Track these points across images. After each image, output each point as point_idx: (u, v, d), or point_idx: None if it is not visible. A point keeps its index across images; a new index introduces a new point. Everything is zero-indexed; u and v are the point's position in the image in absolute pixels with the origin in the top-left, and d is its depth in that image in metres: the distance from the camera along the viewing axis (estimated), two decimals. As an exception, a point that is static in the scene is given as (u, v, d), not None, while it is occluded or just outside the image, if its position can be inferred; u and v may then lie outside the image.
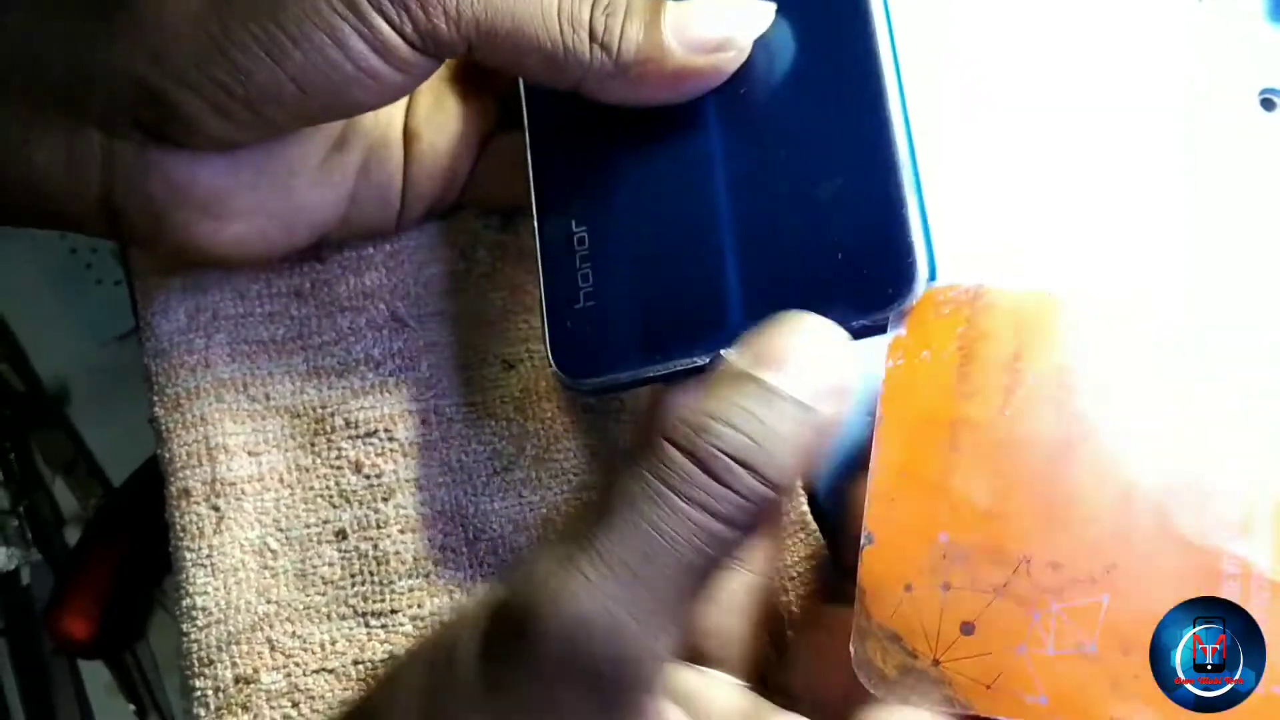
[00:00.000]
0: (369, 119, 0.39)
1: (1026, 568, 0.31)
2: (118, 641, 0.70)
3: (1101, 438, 0.31)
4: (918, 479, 0.31)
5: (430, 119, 0.40)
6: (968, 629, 0.30)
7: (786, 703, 0.31)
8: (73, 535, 0.75)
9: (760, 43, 0.33)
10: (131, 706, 0.70)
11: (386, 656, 0.40)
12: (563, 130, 0.36)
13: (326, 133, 0.38)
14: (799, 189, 0.32)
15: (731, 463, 0.26)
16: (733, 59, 0.32)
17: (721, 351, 0.29)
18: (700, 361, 0.32)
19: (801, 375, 0.27)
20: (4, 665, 0.72)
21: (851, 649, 0.30)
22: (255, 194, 0.37)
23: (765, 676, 0.33)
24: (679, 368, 0.32)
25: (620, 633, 0.24)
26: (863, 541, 0.30)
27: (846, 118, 0.32)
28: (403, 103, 0.40)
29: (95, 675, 0.72)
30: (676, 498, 0.26)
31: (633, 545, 0.25)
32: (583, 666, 0.24)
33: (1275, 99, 0.41)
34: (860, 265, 0.31)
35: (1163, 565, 0.30)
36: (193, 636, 0.41)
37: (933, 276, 0.31)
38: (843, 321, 0.30)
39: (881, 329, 0.31)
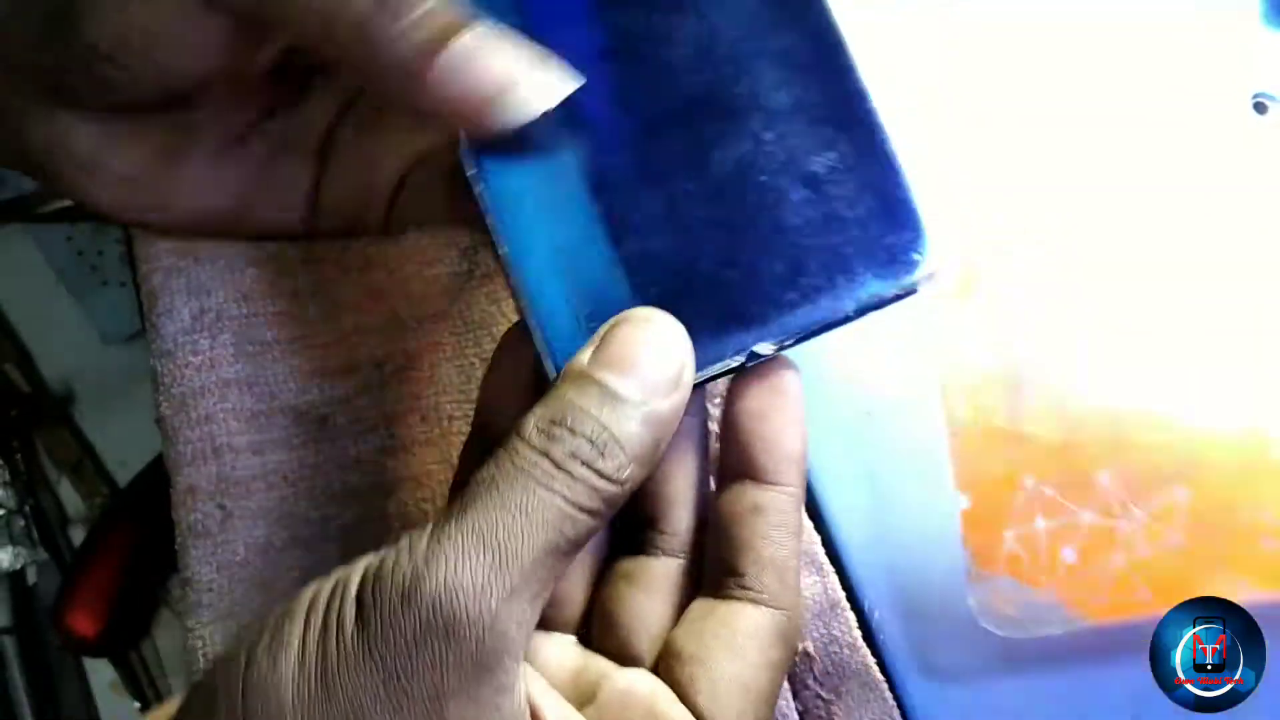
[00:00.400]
0: (279, 124, 0.39)
1: (1105, 488, 0.32)
2: (124, 639, 0.71)
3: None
4: (993, 434, 0.33)
5: (354, 135, 0.40)
6: (1070, 554, 0.32)
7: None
8: (78, 535, 0.75)
9: (717, 31, 0.32)
10: (136, 704, 0.70)
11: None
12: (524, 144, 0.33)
13: (226, 126, 0.38)
14: (792, 171, 0.31)
15: (578, 464, 0.28)
16: (515, 108, 0.30)
17: (755, 349, 0.30)
18: (735, 363, 0.31)
19: (638, 373, 0.29)
20: (11, 663, 0.72)
21: (971, 602, 0.32)
22: (131, 164, 0.37)
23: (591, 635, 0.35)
24: (713, 373, 0.31)
25: (489, 600, 0.26)
26: (959, 505, 0.33)
27: (822, 96, 0.31)
28: (326, 113, 0.40)
29: (100, 673, 0.72)
30: (538, 487, 0.28)
31: (501, 523, 0.27)
32: (457, 629, 0.26)
33: (1268, 102, 0.41)
34: (877, 235, 0.30)
35: (1240, 469, 0.32)
36: (198, 632, 0.42)
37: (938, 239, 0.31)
38: (876, 293, 0.30)
39: (912, 292, 0.30)
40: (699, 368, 0.30)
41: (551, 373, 0.31)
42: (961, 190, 0.39)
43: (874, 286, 0.30)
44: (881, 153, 0.31)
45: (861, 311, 0.30)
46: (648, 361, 0.29)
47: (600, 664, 0.33)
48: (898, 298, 0.30)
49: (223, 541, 0.42)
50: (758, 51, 0.32)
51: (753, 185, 0.31)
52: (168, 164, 0.38)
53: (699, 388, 0.31)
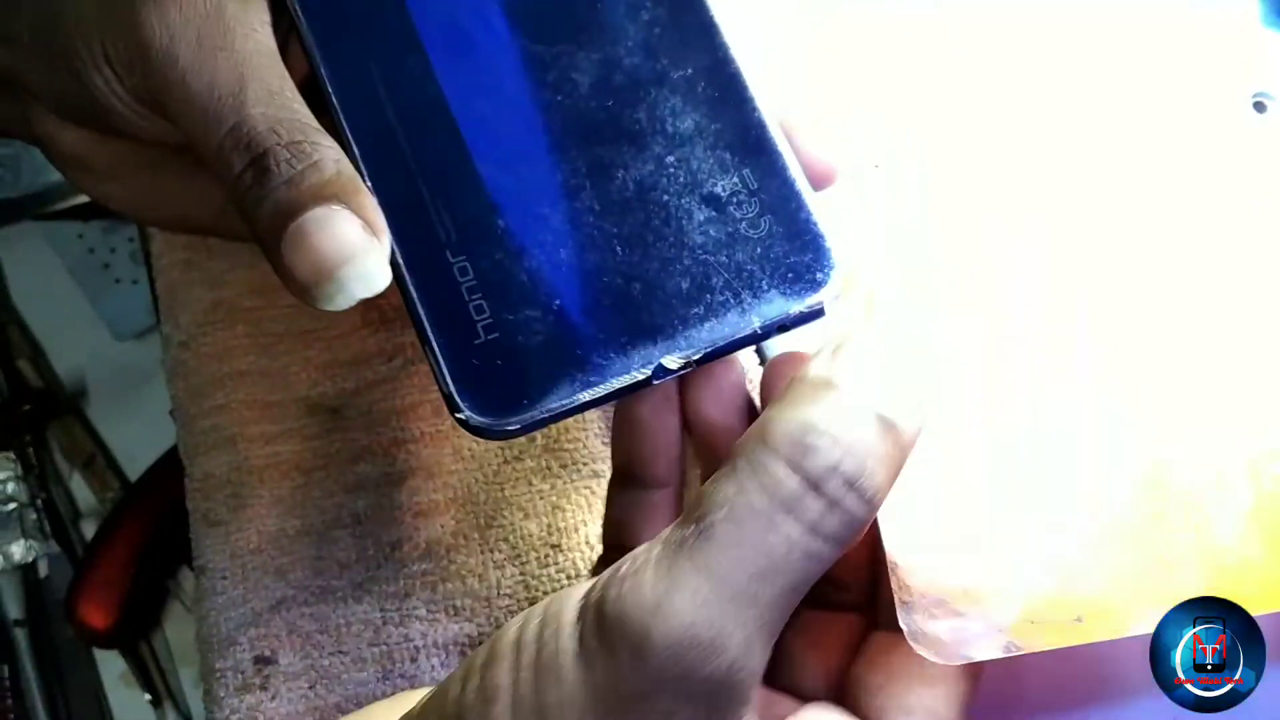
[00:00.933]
0: None
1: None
2: (135, 631, 0.71)
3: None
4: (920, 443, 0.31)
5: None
6: None
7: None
8: (89, 529, 0.76)
9: (619, 59, 0.33)
10: (146, 696, 0.71)
11: (401, 639, 0.41)
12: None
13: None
14: (696, 193, 0.32)
15: (841, 484, 0.26)
16: (334, 298, 0.29)
17: (663, 362, 0.30)
18: (640, 375, 0.30)
19: (893, 391, 0.27)
20: (23, 655, 0.73)
21: (902, 624, 0.30)
22: (121, 166, 0.38)
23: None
24: (617, 386, 0.30)
25: (726, 655, 0.24)
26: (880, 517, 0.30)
27: (722, 123, 0.32)
28: None
29: (110, 665, 0.72)
30: (787, 517, 0.25)
31: (742, 564, 0.25)
32: (689, 682, 0.24)
33: (1267, 102, 0.42)
34: (781, 255, 0.31)
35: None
36: (212, 619, 0.42)
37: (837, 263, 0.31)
38: (782, 311, 0.30)
39: (819, 313, 0.31)
40: (605, 379, 0.30)
41: (444, 387, 0.30)
42: (957, 192, 0.39)
43: (780, 305, 0.30)
44: (784, 178, 0.32)
45: (768, 330, 0.31)
46: (896, 380, 0.27)
47: (785, 702, 0.31)
48: (805, 317, 0.31)
49: (236, 530, 0.43)
50: (658, 79, 0.33)
51: (656, 205, 0.31)
52: (147, 175, 0.38)
53: (606, 402, 0.30)
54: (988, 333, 0.36)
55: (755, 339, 0.31)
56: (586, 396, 0.30)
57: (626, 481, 0.35)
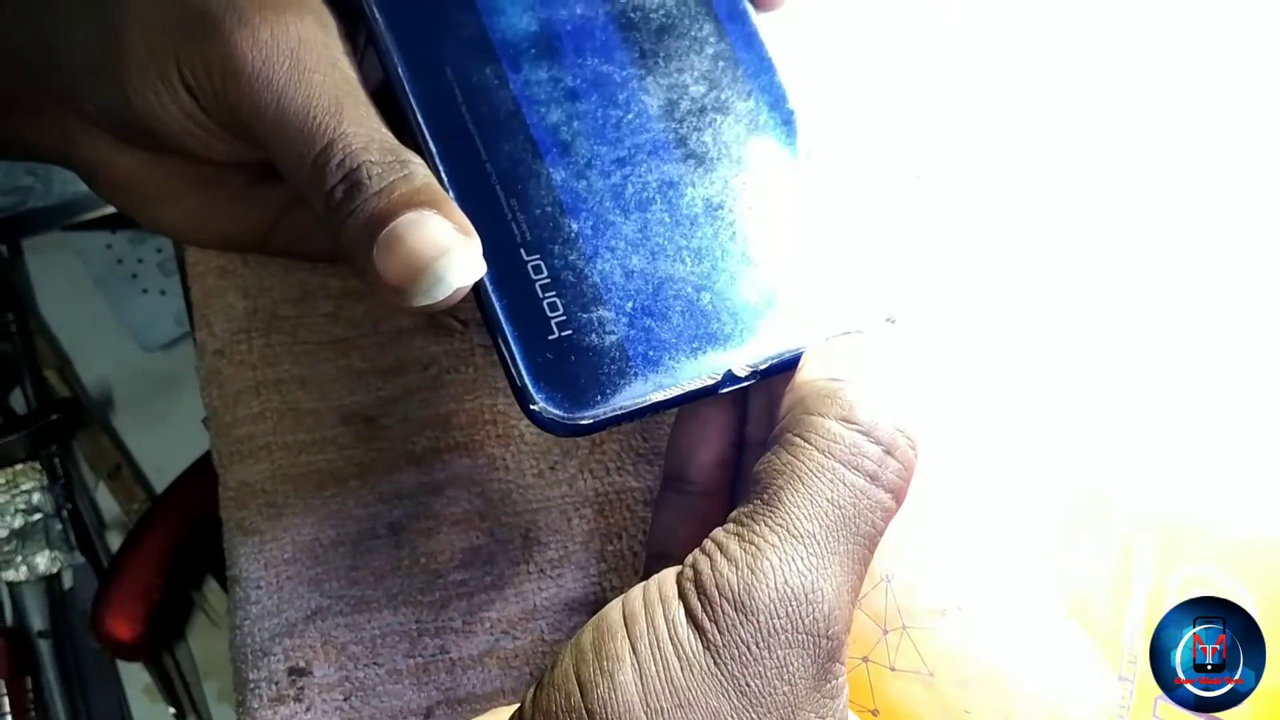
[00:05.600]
0: None
1: (887, 585, 0.32)
2: (159, 643, 0.71)
3: (977, 481, 0.33)
4: None
5: None
6: None
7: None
8: (114, 540, 0.76)
9: (686, 85, 0.35)
10: (171, 709, 0.71)
11: (437, 650, 0.41)
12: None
13: (256, 165, 0.39)
14: (760, 215, 0.33)
15: (892, 428, 0.28)
16: (431, 291, 0.30)
17: (732, 369, 0.31)
18: (710, 380, 0.31)
19: (883, 384, 0.29)
20: (47, 666, 0.72)
21: None
22: (170, 189, 0.38)
23: None
24: (687, 389, 0.31)
25: (824, 601, 0.26)
26: None
27: (779, 141, 0.34)
28: None
29: (134, 677, 0.72)
30: (845, 469, 0.27)
31: (816, 519, 0.27)
32: (796, 632, 0.26)
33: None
34: (847, 273, 0.33)
35: (1008, 613, 0.31)
36: (246, 629, 0.42)
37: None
38: (845, 328, 0.32)
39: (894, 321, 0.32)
40: (676, 381, 0.31)
41: (518, 380, 0.31)
42: (970, 210, 0.39)
43: (840, 322, 0.32)
44: (846, 199, 0.34)
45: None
46: (885, 377, 0.30)
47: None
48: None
49: (271, 539, 0.43)
50: (723, 109, 0.35)
51: (724, 222, 0.33)
52: (200, 194, 0.39)
53: (672, 405, 0.31)
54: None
55: None
56: (658, 396, 0.31)
57: (677, 487, 0.36)
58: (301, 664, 0.41)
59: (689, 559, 0.27)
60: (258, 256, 0.46)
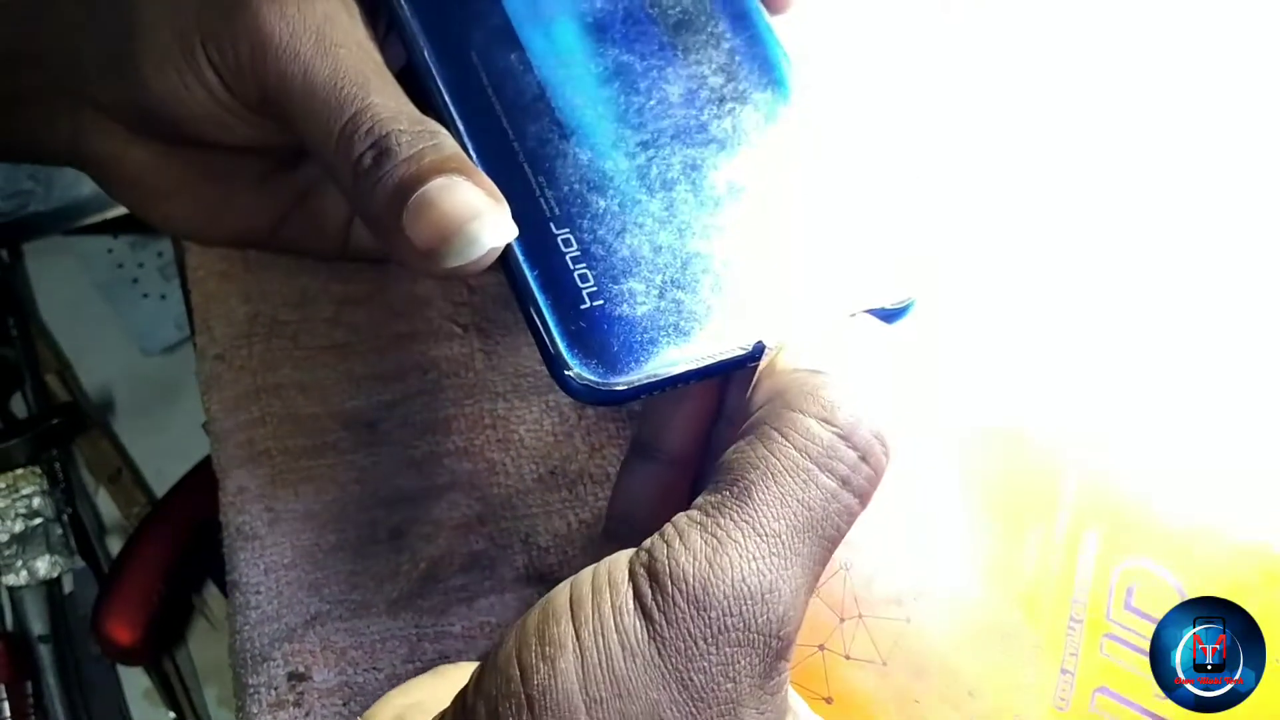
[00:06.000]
0: None
1: (846, 574, 0.32)
2: (160, 648, 0.71)
3: (935, 479, 0.33)
4: None
5: None
6: None
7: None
8: (115, 545, 0.75)
9: (706, 79, 0.35)
10: (171, 714, 0.71)
11: (437, 655, 0.41)
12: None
13: (272, 157, 0.39)
14: (785, 197, 0.34)
15: (870, 434, 0.27)
16: (465, 251, 0.31)
17: (762, 342, 0.31)
18: (741, 351, 0.31)
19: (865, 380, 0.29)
20: (47, 671, 0.72)
21: None
22: (182, 184, 0.38)
23: None
24: (720, 358, 0.31)
25: (776, 604, 0.26)
26: None
27: (798, 124, 0.35)
28: None
29: (135, 682, 0.72)
30: (819, 471, 0.27)
31: (783, 519, 0.26)
32: (747, 631, 0.25)
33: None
34: (873, 251, 0.33)
35: (961, 607, 0.32)
36: (246, 634, 0.42)
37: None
38: (871, 304, 0.32)
39: (907, 307, 0.33)
40: (709, 351, 0.31)
41: (551, 348, 0.31)
42: (1011, 213, 0.39)
43: (870, 298, 0.32)
44: (870, 182, 0.34)
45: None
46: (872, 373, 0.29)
47: None
48: (893, 312, 0.32)
49: (271, 544, 0.43)
50: (741, 99, 0.35)
51: (746, 205, 0.33)
52: (214, 185, 0.39)
53: (705, 376, 0.32)
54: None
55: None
56: (691, 365, 0.31)
57: (647, 452, 0.35)
58: (301, 669, 0.41)
59: (646, 543, 0.27)
60: (259, 260, 0.46)
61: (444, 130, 0.33)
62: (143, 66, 0.34)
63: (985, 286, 0.37)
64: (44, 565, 0.73)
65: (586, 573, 0.27)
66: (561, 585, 0.27)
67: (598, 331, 0.31)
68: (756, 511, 0.26)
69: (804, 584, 0.26)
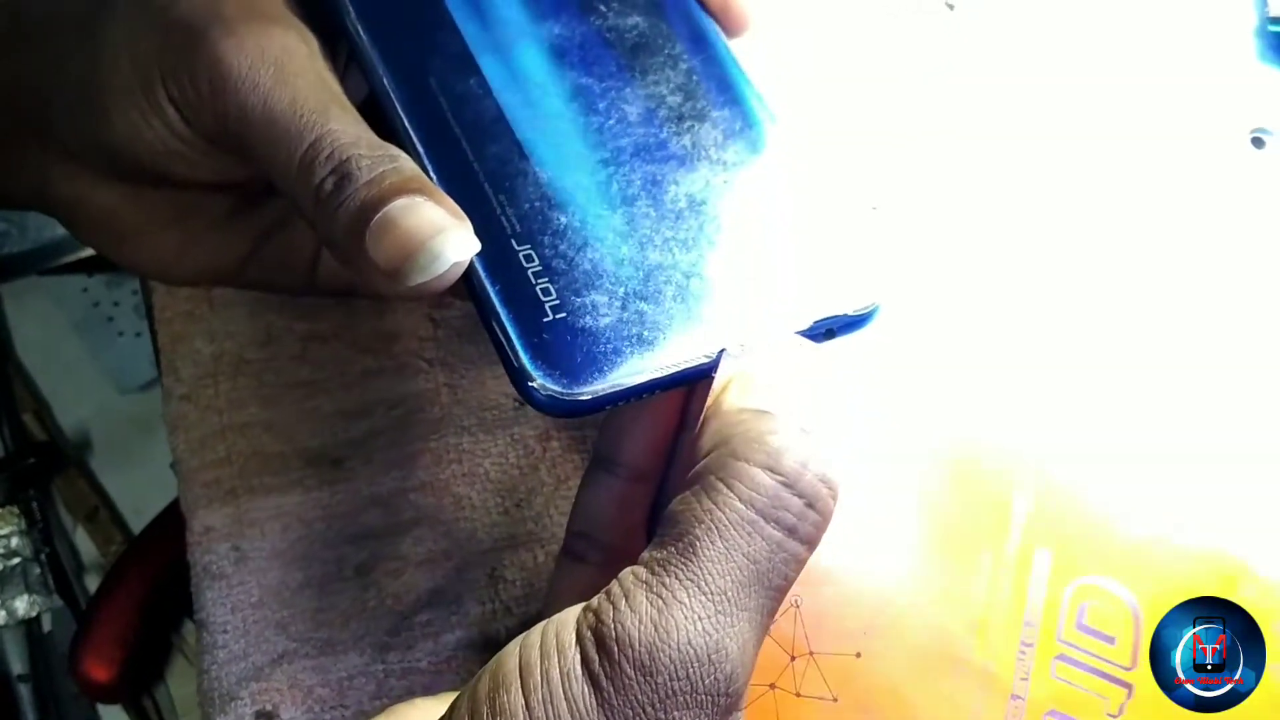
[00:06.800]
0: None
1: (797, 611, 0.32)
2: (138, 685, 0.71)
3: (883, 508, 0.33)
4: None
5: None
6: None
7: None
8: (93, 583, 0.75)
9: (664, 97, 0.36)
10: (150, 751, 0.71)
11: (404, 692, 0.41)
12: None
13: (236, 194, 0.40)
14: (743, 207, 0.34)
15: (815, 480, 0.27)
16: (429, 268, 0.31)
17: (726, 350, 0.31)
18: (705, 360, 0.31)
19: (810, 407, 0.29)
20: (26, 711, 0.72)
21: None
22: (148, 224, 0.38)
23: None
24: (683, 367, 0.32)
25: (724, 664, 0.25)
26: None
27: (757, 135, 0.36)
28: None
29: (114, 719, 0.72)
30: (766, 523, 0.26)
31: (729, 574, 0.26)
32: (695, 693, 0.25)
33: (1265, 137, 0.42)
34: (834, 258, 0.33)
35: (911, 640, 0.31)
36: (214, 674, 0.42)
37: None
38: (833, 311, 0.32)
39: (869, 315, 0.33)
40: (672, 360, 0.31)
41: (514, 361, 0.31)
42: (956, 235, 0.39)
43: (831, 304, 0.33)
44: (820, 201, 0.34)
45: (816, 331, 0.32)
46: (813, 405, 0.29)
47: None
48: (849, 323, 0.33)
49: (238, 584, 0.43)
50: (701, 114, 0.36)
51: (709, 216, 0.34)
52: (181, 225, 0.39)
53: (669, 386, 0.32)
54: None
55: (814, 336, 0.33)
56: (655, 374, 0.31)
57: (608, 466, 0.35)
58: (269, 708, 0.41)
59: (594, 602, 0.27)
60: (224, 299, 0.46)
61: (404, 154, 0.33)
62: (106, 106, 0.34)
63: (931, 312, 0.37)
64: (22, 605, 0.73)
65: (535, 633, 0.27)
66: (511, 647, 0.27)
67: (561, 343, 0.31)
68: (702, 569, 0.26)
69: (752, 637, 0.26)
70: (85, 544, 0.77)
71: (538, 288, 0.32)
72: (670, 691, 0.25)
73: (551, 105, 0.36)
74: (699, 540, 0.26)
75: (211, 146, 0.35)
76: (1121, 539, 0.33)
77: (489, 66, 0.36)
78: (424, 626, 0.41)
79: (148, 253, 0.40)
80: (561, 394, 0.31)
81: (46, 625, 0.75)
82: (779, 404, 0.29)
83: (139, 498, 0.75)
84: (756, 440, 0.27)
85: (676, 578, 0.26)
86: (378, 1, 0.36)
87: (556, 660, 0.26)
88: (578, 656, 0.26)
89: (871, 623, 0.32)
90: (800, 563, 0.27)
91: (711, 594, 0.26)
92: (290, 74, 0.33)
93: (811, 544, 0.27)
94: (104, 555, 0.76)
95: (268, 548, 0.43)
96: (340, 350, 0.45)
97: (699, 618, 0.25)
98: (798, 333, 0.32)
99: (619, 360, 0.31)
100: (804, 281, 0.33)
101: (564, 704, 0.25)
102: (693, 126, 0.36)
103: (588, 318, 0.32)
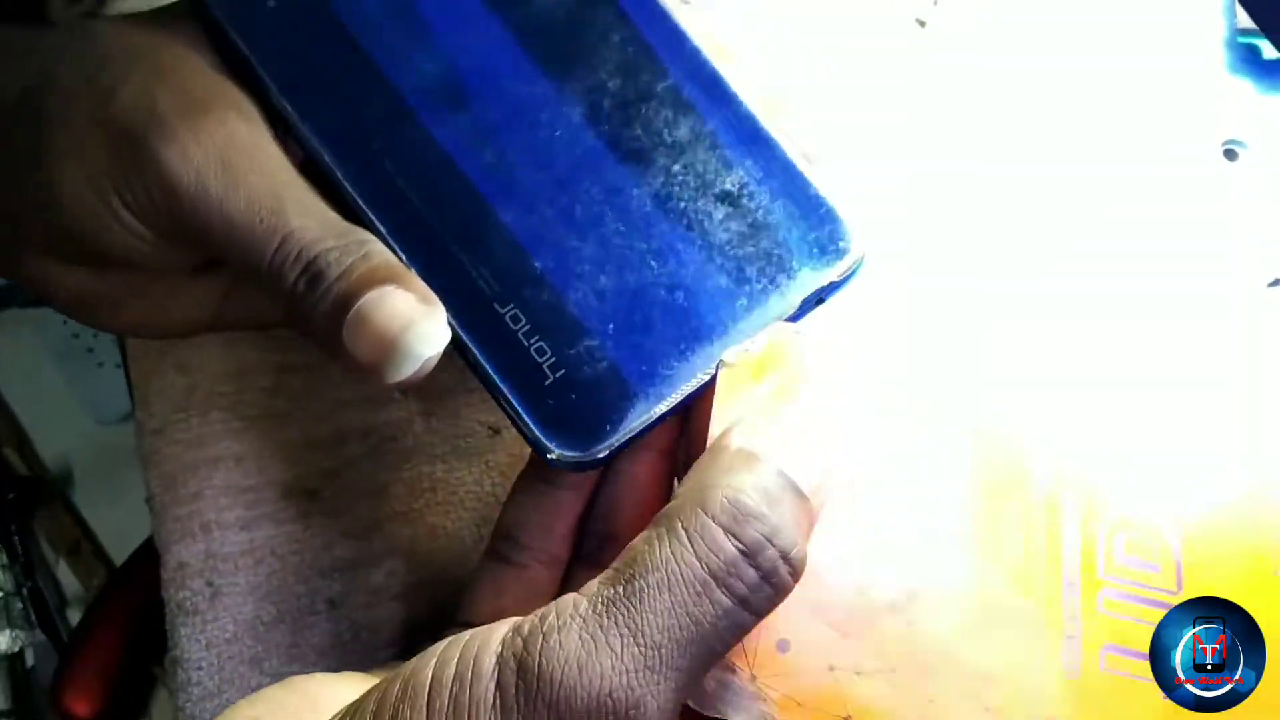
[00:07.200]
0: None
1: (837, 588, 0.32)
2: (121, 718, 0.70)
3: (899, 481, 0.33)
4: None
5: None
6: (784, 647, 0.30)
7: None
8: (76, 617, 0.75)
9: (604, 85, 0.35)
10: (135, 786, 0.70)
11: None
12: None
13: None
14: (709, 194, 0.34)
15: (776, 555, 0.26)
16: (402, 366, 0.31)
17: (722, 361, 0.31)
18: (705, 377, 0.32)
19: (809, 463, 0.28)
20: (9, 748, 0.71)
21: None
22: (120, 296, 0.38)
23: None
24: (687, 391, 0.32)
25: (644, 718, 0.25)
26: None
27: (715, 124, 0.34)
28: None
29: (99, 755, 0.71)
30: (717, 588, 0.26)
31: (669, 631, 0.25)
32: None
33: (1238, 149, 0.42)
34: (802, 234, 0.33)
35: (957, 600, 0.32)
36: (189, 711, 0.42)
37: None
38: (817, 283, 0.33)
39: (849, 277, 0.33)
40: (675, 387, 0.32)
41: (529, 434, 0.32)
42: (926, 244, 0.39)
43: (812, 279, 0.33)
44: (784, 162, 0.34)
45: (808, 305, 0.33)
46: (814, 448, 0.28)
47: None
48: (835, 286, 0.33)
49: (212, 619, 0.42)
50: (645, 96, 0.35)
51: (676, 214, 0.33)
52: (148, 293, 0.39)
53: (677, 411, 0.32)
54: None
55: (799, 316, 0.33)
56: (662, 408, 0.32)
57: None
58: (244, 745, 0.40)
59: (524, 624, 0.26)
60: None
61: (371, 237, 0.33)
62: (63, 214, 0.34)
63: (921, 299, 0.37)
64: (4, 640, 0.73)
65: (455, 646, 0.26)
66: (428, 654, 0.26)
67: (568, 404, 0.32)
68: (643, 618, 0.25)
69: (675, 697, 0.26)
70: (68, 577, 0.76)
71: (531, 349, 0.32)
72: None
73: (496, 135, 0.35)
74: (647, 589, 0.26)
75: (175, 244, 0.35)
76: (1147, 482, 0.33)
77: (425, 110, 0.35)
78: (397, 660, 0.41)
79: (124, 319, 0.40)
80: (581, 458, 0.31)
81: (30, 660, 0.74)
82: (769, 446, 0.28)
83: (121, 530, 0.75)
84: (729, 497, 0.27)
85: (615, 621, 0.25)
86: (299, 71, 0.35)
87: (469, 686, 0.25)
88: (494, 684, 0.25)
89: (914, 590, 0.31)
90: (745, 630, 0.26)
91: (645, 646, 0.25)
92: (240, 172, 0.33)
93: (761, 615, 0.27)
94: (86, 589, 0.75)
95: (241, 582, 0.43)
96: (312, 381, 0.45)
97: (626, 670, 0.25)
98: (788, 318, 0.32)
99: (627, 407, 0.31)
100: (783, 261, 0.33)
101: None
102: (640, 110, 0.34)
103: (587, 367, 0.32)
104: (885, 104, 0.43)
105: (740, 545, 0.26)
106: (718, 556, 0.26)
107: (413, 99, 0.35)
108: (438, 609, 0.42)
